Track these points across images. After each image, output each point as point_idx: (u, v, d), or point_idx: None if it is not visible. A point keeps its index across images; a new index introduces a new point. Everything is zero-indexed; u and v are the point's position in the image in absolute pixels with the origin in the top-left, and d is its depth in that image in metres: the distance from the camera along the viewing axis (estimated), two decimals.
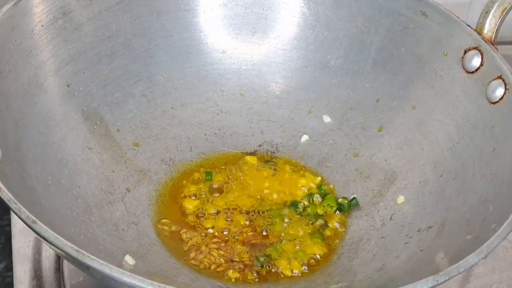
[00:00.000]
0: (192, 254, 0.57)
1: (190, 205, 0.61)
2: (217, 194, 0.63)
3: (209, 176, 0.64)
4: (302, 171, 0.66)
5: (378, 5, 0.67)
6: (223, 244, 0.59)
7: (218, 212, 0.61)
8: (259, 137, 0.68)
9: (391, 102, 0.67)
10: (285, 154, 0.68)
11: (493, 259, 0.64)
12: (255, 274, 0.57)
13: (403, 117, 0.66)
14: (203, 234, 0.59)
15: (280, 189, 0.64)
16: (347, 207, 0.63)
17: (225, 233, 0.60)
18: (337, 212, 0.63)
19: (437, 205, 0.59)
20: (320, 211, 0.62)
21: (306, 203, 0.63)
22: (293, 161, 0.67)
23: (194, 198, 0.62)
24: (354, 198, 0.63)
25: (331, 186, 0.65)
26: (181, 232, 0.59)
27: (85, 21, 0.63)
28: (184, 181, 0.63)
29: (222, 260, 0.57)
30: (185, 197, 0.62)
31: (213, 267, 0.57)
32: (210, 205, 0.61)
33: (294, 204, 0.62)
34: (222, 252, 0.58)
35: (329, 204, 0.63)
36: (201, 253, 0.58)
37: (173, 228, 0.59)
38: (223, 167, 0.65)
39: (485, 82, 0.60)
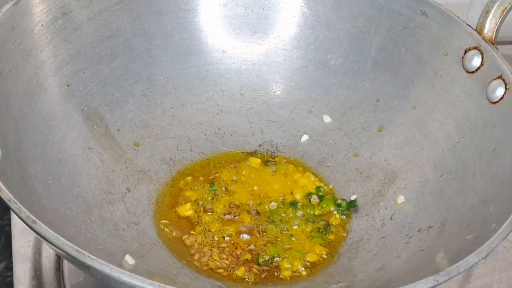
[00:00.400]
0: (196, 256, 0.57)
1: (185, 213, 0.61)
2: (216, 196, 0.63)
3: (212, 187, 0.63)
4: (302, 171, 0.66)
5: (378, 5, 0.67)
6: (225, 246, 0.58)
7: (218, 214, 0.61)
8: (259, 137, 0.68)
9: (391, 102, 0.67)
10: (285, 154, 0.67)
11: (493, 259, 0.64)
12: (257, 273, 0.57)
13: (403, 117, 0.66)
14: (204, 236, 0.59)
15: (280, 190, 0.64)
16: (345, 209, 0.62)
17: (226, 235, 0.59)
18: (336, 212, 0.62)
19: (438, 205, 0.59)
20: (318, 212, 0.62)
21: (304, 203, 0.63)
22: (294, 160, 0.67)
23: (193, 201, 0.62)
24: (352, 200, 0.63)
25: (331, 186, 0.65)
26: (183, 238, 0.59)
27: (85, 21, 0.63)
28: (182, 184, 0.63)
29: (227, 262, 0.57)
30: (183, 203, 0.62)
31: (220, 271, 0.56)
32: (211, 206, 0.61)
33: (292, 205, 0.62)
34: (224, 256, 0.58)
35: (327, 205, 0.63)
36: (204, 255, 0.57)
37: (175, 233, 0.59)
38: (225, 166, 0.65)
39: (486, 82, 0.60)
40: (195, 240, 0.58)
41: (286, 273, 0.57)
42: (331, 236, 0.61)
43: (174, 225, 0.60)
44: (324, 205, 0.62)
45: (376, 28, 0.67)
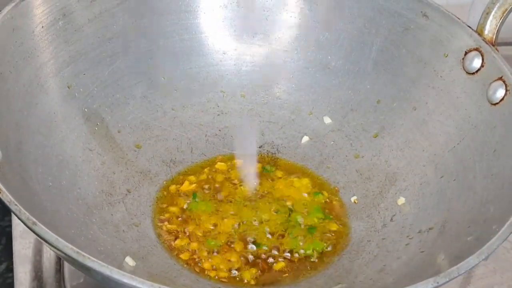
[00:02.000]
0: (191, 257, 0.57)
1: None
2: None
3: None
4: (299, 176, 0.65)
5: (379, 6, 0.67)
6: (223, 248, 0.58)
7: (215, 217, 0.61)
8: (260, 138, 0.68)
9: (392, 103, 0.67)
10: (286, 155, 0.67)
11: (494, 261, 0.64)
12: (255, 274, 0.57)
13: (404, 118, 0.66)
14: (202, 238, 0.59)
15: (279, 193, 0.64)
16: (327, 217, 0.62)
17: (224, 238, 0.59)
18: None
19: (438, 206, 0.59)
20: (305, 223, 0.61)
21: (297, 209, 0.62)
22: (293, 162, 0.67)
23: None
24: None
25: (325, 193, 0.64)
26: (175, 241, 0.58)
27: (85, 22, 0.63)
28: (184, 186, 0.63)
29: (226, 264, 0.57)
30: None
31: (222, 273, 0.56)
32: (208, 209, 0.62)
33: (288, 212, 0.62)
34: (222, 261, 0.58)
35: (317, 217, 0.62)
36: (203, 257, 0.57)
37: (169, 239, 0.59)
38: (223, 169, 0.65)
39: (486, 83, 0.60)
40: (193, 243, 0.58)
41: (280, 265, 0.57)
42: (332, 237, 0.61)
43: (173, 224, 0.60)
44: (315, 217, 0.62)
45: (377, 30, 0.68)
